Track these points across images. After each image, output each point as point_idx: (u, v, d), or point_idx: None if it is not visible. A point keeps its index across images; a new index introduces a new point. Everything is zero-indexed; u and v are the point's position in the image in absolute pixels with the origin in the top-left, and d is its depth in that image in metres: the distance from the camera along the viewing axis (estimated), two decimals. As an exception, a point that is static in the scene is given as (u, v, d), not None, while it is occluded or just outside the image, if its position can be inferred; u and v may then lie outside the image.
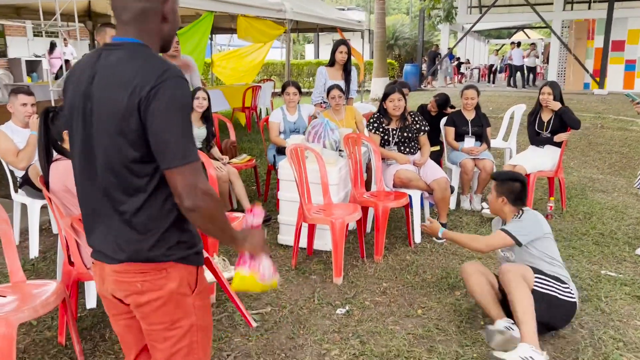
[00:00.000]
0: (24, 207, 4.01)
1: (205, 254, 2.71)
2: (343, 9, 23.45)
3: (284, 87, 5.05)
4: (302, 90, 5.41)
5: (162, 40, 1.51)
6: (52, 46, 14.17)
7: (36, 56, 14.37)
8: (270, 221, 4.61)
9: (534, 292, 2.70)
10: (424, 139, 4.56)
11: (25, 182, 3.84)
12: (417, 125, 4.52)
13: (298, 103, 5.05)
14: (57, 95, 5.31)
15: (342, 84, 5.38)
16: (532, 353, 2.47)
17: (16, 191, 4.00)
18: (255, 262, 1.59)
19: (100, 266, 1.51)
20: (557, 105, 4.87)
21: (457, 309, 3.19)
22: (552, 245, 2.96)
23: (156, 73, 1.34)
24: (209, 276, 2.91)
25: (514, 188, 3.01)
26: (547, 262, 2.89)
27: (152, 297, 1.47)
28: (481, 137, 5.14)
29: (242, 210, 4.48)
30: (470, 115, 5.21)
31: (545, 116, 5.00)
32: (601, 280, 3.54)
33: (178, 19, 1.55)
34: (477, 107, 5.21)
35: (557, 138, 4.93)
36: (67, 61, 14.49)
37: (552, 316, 2.80)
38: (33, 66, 14.44)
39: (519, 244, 2.88)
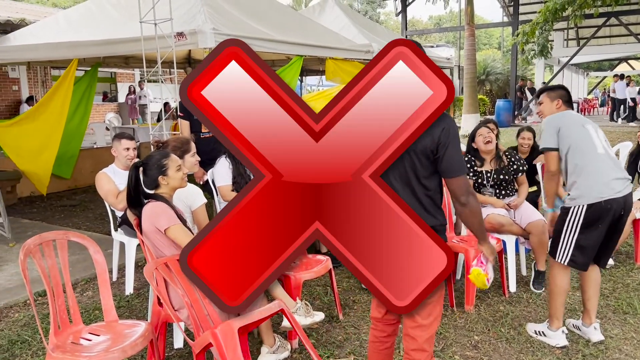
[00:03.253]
0: (122, 244, 4.23)
1: (282, 305, 2.66)
2: (432, 47, 23.36)
3: None
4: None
5: None
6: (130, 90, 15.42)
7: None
8: (342, 266, 4.50)
9: None
10: (522, 178, 4.29)
11: (124, 222, 4.06)
12: (515, 166, 4.26)
13: None
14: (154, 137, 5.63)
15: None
16: None
17: (115, 230, 4.24)
18: (487, 266, 2.13)
19: None
20: None
21: (558, 369, 2.90)
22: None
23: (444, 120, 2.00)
24: (286, 324, 2.87)
25: (564, 92, 3.26)
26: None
27: None
28: None
29: (319, 251, 4.42)
30: None
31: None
32: None
33: None
34: None
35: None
36: (143, 105, 15.55)
37: None
38: (139, 109, 15.64)
39: (554, 149, 3.11)
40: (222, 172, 4.15)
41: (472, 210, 2.07)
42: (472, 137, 4.28)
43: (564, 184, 3.27)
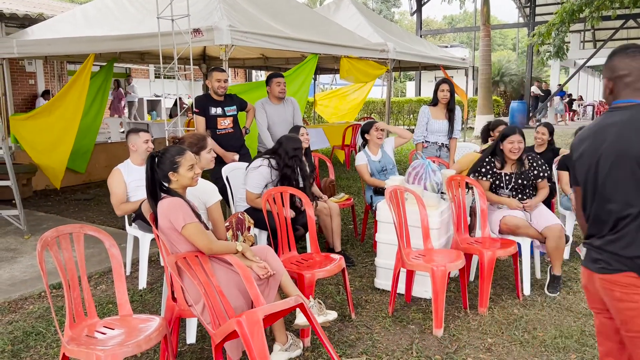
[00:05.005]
0: (136, 239, 4.25)
1: (300, 300, 2.67)
2: (446, 47, 23.24)
3: (367, 128, 4.95)
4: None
5: None
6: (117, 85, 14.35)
7: (156, 96, 15.58)
8: (354, 266, 4.51)
9: None
10: (543, 183, 4.20)
11: (138, 217, 4.08)
12: (535, 171, 4.16)
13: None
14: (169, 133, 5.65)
15: (445, 123, 5.26)
16: None
17: (130, 224, 4.26)
18: None
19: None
20: None
21: (573, 374, 2.87)
22: None
23: None
24: (302, 320, 2.87)
25: None
26: None
27: (628, 306, 1.74)
28: None
29: (332, 250, 4.43)
30: None
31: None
32: None
33: None
34: None
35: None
36: (130, 102, 14.38)
37: None
38: (153, 105, 15.69)
39: None
40: (255, 179, 4.08)
41: None
42: (502, 137, 4.13)
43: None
